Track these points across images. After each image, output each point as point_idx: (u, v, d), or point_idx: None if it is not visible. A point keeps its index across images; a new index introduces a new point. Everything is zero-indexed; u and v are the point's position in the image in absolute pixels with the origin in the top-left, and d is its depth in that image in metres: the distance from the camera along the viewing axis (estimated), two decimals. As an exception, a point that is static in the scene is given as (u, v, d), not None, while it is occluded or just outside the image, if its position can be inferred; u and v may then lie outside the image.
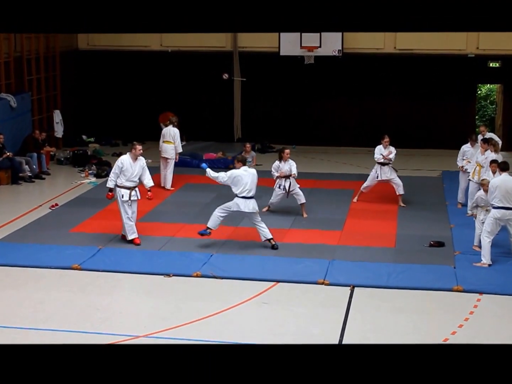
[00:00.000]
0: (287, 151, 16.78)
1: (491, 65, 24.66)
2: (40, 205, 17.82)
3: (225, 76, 25.58)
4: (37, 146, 21.28)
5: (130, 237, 14.68)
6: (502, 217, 13.57)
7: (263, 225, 14.53)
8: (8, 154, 19.82)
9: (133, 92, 26.44)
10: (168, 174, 19.45)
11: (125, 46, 25.65)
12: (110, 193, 14.73)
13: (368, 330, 11.06)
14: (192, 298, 12.30)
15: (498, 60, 24.53)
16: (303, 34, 23.09)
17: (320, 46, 23.93)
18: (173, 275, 13.17)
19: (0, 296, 12.31)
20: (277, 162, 16.73)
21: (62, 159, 22.86)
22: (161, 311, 11.74)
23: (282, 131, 25.81)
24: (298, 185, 16.78)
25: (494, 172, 14.40)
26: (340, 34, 23.50)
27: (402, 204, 17.85)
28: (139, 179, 14.73)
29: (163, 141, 19.59)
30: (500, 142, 17.58)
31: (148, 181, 14.87)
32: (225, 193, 16.15)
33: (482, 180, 14.46)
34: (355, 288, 12.63)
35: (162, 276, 13.15)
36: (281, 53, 24.31)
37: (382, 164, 17.78)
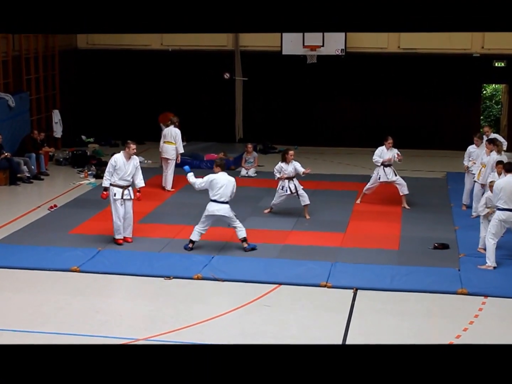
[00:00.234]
0: (291, 152, 16.73)
1: (496, 64, 24.54)
2: (39, 206, 17.73)
3: (227, 75, 25.51)
4: (35, 147, 21.19)
5: (115, 236, 14.71)
6: (507, 219, 13.47)
7: (239, 225, 14.44)
8: (6, 154, 19.77)
9: (133, 92, 26.37)
10: (168, 175, 19.34)
11: (125, 45, 25.55)
12: (105, 192, 14.69)
13: (371, 333, 11.00)
14: (193, 301, 12.25)
15: (503, 60, 24.44)
16: (305, 33, 22.94)
17: (323, 46, 23.84)
18: (174, 278, 13.09)
19: (-3, 299, 12.25)
20: (280, 163, 16.67)
21: (61, 159, 22.77)
22: (161, 314, 11.66)
23: (284, 131, 25.73)
24: (302, 187, 16.74)
25: (499, 174, 14.27)
26: (343, 33, 23.36)
27: (406, 206, 17.74)
28: (132, 178, 14.73)
29: (164, 142, 19.48)
30: (505, 143, 17.49)
31: (140, 181, 14.86)
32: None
33: (491, 182, 14.31)
34: (358, 290, 12.57)
35: (162, 279, 13.06)
36: (283, 53, 24.24)
37: (384, 165, 17.63)
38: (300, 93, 25.69)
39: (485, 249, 13.81)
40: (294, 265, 13.62)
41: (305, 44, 23.90)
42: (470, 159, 17.33)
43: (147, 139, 25.66)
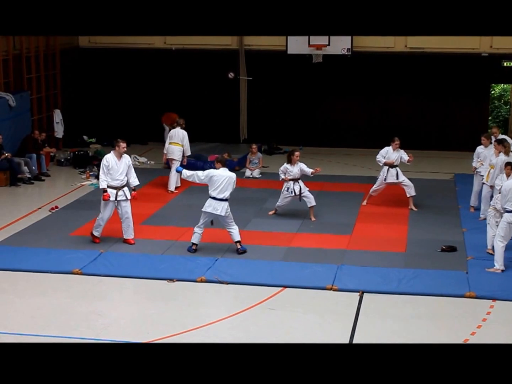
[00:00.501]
0: (297, 153, 16.71)
1: (505, 64, 24.42)
2: (40, 208, 17.68)
3: (231, 75, 25.42)
4: (36, 147, 21.15)
5: (93, 232, 14.82)
6: (516, 221, 13.36)
7: (234, 227, 14.37)
8: (6, 154, 19.73)
9: (135, 92, 26.30)
10: (172, 176, 19.29)
11: (128, 43, 25.45)
12: (107, 193, 14.59)
13: (378, 337, 10.90)
14: (196, 304, 12.22)
15: (512, 60, 24.27)
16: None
17: (328, 45, 23.75)
18: (177, 280, 13.01)
19: (-2, 302, 12.22)
20: (285, 165, 16.62)
21: (62, 160, 22.71)
22: (165, 317, 11.59)
23: (289, 132, 25.66)
24: (308, 188, 16.70)
25: (508, 175, 14.15)
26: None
27: (414, 208, 17.66)
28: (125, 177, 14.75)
29: (170, 143, 19.52)
30: (513, 144, 17.33)
31: (134, 180, 14.94)
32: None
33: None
34: (364, 294, 12.50)
35: (166, 281, 12.99)
36: (289, 52, 24.14)
37: (390, 166, 17.50)
38: (305, 93, 25.60)
39: (494, 250, 13.71)
40: (299, 268, 13.57)
41: (311, 43, 23.80)
42: (478, 160, 17.20)
43: (150, 139, 25.61)
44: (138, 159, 23.12)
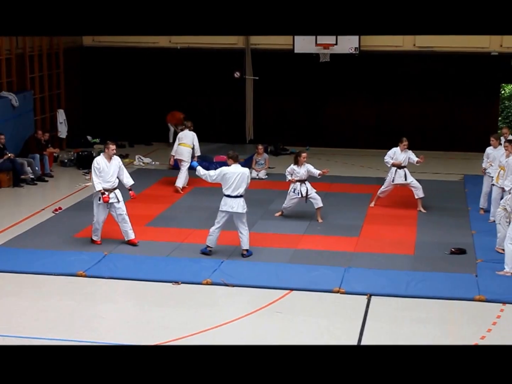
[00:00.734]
0: (304, 154, 16.64)
1: (515, 63, 24.22)
2: (43, 209, 17.63)
3: (237, 74, 25.35)
4: (39, 147, 21.13)
5: (92, 237, 14.83)
6: (527, 223, 13.22)
7: (246, 232, 14.24)
8: (9, 155, 19.67)
9: (140, 91, 26.28)
10: (182, 174, 19.47)
11: (132, 42, 25.42)
12: (105, 195, 14.49)
13: (386, 340, 10.80)
14: (202, 307, 12.12)
15: (523, 59, 24.16)
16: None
17: (336, 44, 23.71)
18: (182, 283, 12.93)
19: (1, 304, 12.14)
20: (292, 166, 16.57)
21: (66, 160, 22.64)
22: (170, 320, 11.52)
23: (296, 132, 25.63)
24: (315, 190, 16.63)
25: (518, 176, 13.97)
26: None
27: (422, 210, 17.57)
28: (118, 179, 14.72)
29: (179, 144, 19.70)
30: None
31: (128, 180, 14.96)
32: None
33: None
34: (372, 297, 12.41)
35: (171, 284, 12.91)
36: (295, 51, 24.09)
37: (398, 167, 17.39)
38: (312, 93, 25.55)
39: (503, 249, 13.62)
40: (306, 270, 13.48)
41: (318, 42, 23.74)
42: (488, 160, 17.06)
43: (154, 139, 25.55)
44: (142, 159, 23.05)
